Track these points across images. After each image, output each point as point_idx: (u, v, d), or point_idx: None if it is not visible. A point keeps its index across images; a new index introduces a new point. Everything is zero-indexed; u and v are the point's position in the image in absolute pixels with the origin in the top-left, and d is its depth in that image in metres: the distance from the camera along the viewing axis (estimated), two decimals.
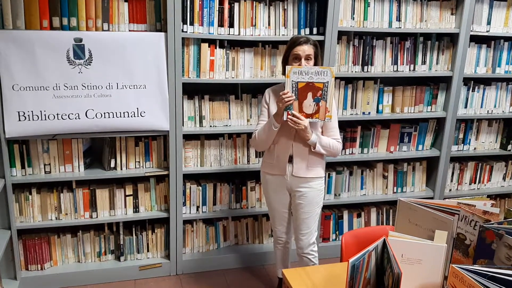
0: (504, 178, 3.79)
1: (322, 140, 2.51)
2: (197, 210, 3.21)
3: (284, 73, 2.45)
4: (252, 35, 2.98)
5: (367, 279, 1.59)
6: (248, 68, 3.04)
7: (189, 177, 3.20)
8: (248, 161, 3.23)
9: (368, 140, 3.44)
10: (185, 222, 3.22)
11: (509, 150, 3.66)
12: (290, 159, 2.54)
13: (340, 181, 3.44)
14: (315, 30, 3.06)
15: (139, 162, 3.06)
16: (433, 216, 1.76)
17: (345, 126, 3.37)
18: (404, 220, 1.87)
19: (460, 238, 1.79)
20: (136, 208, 3.11)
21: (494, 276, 1.46)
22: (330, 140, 2.54)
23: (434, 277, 1.69)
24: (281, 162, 2.56)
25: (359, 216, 3.58)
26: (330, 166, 3.42)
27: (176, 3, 2.75)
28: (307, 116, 2.44)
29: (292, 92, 2.40)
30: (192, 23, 2.86)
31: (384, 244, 1.63)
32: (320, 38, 3.05)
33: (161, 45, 2.80)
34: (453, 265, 1.53)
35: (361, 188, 3.52)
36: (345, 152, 3.39)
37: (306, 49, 2.43)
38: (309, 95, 2.42)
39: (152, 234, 3.19)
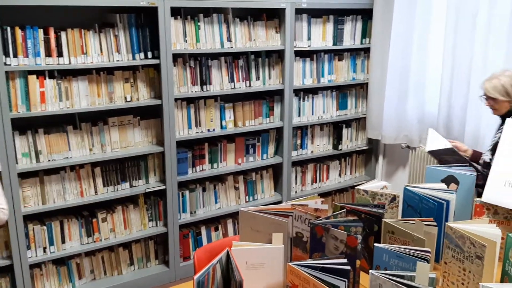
0: (339, 175, 4.23)
1: None
2: (44, 251, 3.00)
3: None
4: (84, 63, 2.90)
5: None
6: (84, 97, 2.96)
7: (30, 218, 2.98)
8: (96, 192, 3.13)
9: (216, 155, 3.57)
10: (32, 266, 2.99)
11: (340, 150, 4.10)
12: None
13: (194, 199, 3.51)
14: (149, 54, 3.10)
15: None
16: (270, 221, 1.91)
17: (193, 144, 3.46)
18: (247, 229, 1.98)
19: (298, 237, 1.96)
20: None
21: (325, 267, 1.65)
22: None
23: (277, 277, 1.82)
24: None
25: (216, 229, 3.68)
26: (183, 185, 3.47)
27: None
28: None
29: None
30: (15, 55, 2.69)
31: (228, 255, 1.71)
32: (156, 61, 3.10)
33: None
34: (289, 263, 1.68)
35: (216, 202, 3.63)
36: (195, 169, 3.47)
37: None
38: None
39: None
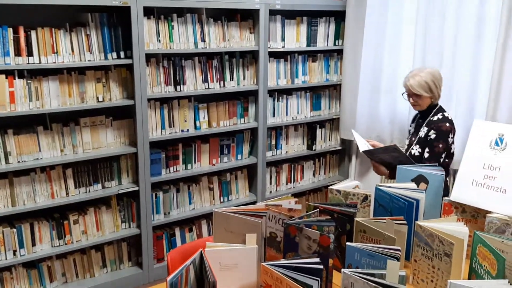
0: (314, 175, 4.27)
1: None
2: (14, 254, 2.94)
3: None
4: (55, 62, 2.85)
5: None
6: (54, 97, 2.90)
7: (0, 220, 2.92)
8: (67, 193, 3.08)
9: (191, 156, 3.55)
10: (2, 269, 2.93)
11: (314, 150, 4.14)
12: None
13: (168, 200, 3.48)
14: (122, 54, 3.07)
15: None
16: (244, 221, 1.91)
17: (166, 145, 3.43)
18: (220, 230, 1.99)
19: (272, 237, 1.97)
20: None
21: (298, 266, 1.66)
22: None
23: (251, 277, 1.83)
24: None
25: (190, 230, 3.67)
26: (157, 186, 3.44)
27: None
28: None
29: None
30: None
31: (202, 256, 1.71)
32: (129, 61, 3.07)
33: None
34: (262, 263, 1.69)
35: (190, 203, 3.61)
36: (169, 170, 3.45)
37: None
38: None
39: None
